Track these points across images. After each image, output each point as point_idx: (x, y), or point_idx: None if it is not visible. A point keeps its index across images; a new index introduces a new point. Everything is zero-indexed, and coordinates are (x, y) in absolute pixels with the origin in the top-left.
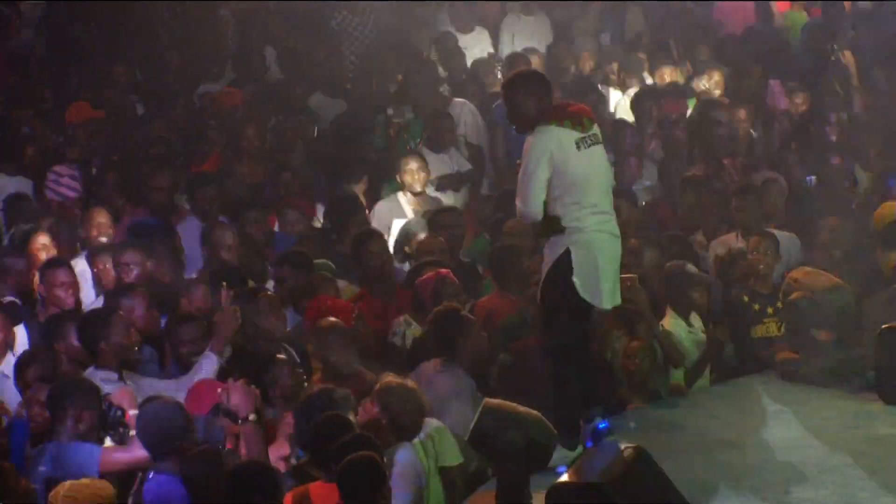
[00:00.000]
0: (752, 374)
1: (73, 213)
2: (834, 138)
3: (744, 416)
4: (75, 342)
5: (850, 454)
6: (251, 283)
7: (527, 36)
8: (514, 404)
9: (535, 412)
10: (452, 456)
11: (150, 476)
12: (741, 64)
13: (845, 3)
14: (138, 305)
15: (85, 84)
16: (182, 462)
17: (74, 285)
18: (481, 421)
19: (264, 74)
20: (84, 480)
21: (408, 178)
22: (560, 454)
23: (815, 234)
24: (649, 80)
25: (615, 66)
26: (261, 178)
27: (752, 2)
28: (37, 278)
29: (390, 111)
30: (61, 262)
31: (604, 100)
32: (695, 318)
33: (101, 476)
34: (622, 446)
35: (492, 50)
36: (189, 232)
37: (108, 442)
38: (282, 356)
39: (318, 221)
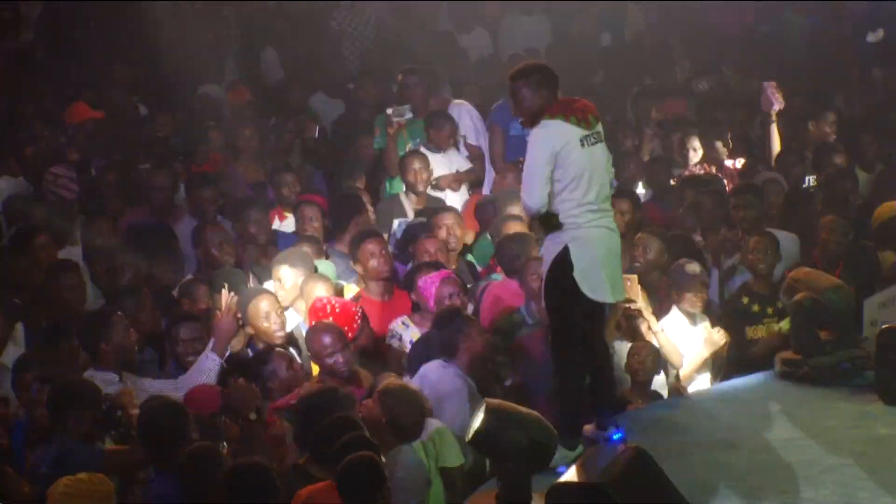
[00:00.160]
0: (752, 374)
1: (72, 213)
2: (833, 138)
3: (744, 417)
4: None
5: (850, 454)
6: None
7: (526, 36)
8: (514, 404)
9: (534, 412)
10: (453, 457)
11: (151, 476)
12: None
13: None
14: (144, 306)
15: (85, 84)
16: (181, 461)
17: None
18: (483, 422)
19: (261, 74)
20: (82, 475)
21: (410, 178)
22: (560, 454)
23: (814, 233)
24: None
25: None
26: (260, 178)
27: (753, 2)
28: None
29: (390, 111)
30: None
31: None
32: (702, 318)
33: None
34: (622, 446)
35: (492, 50)
36: (186, 232)
37: (108, 442)
38: (280, 350)
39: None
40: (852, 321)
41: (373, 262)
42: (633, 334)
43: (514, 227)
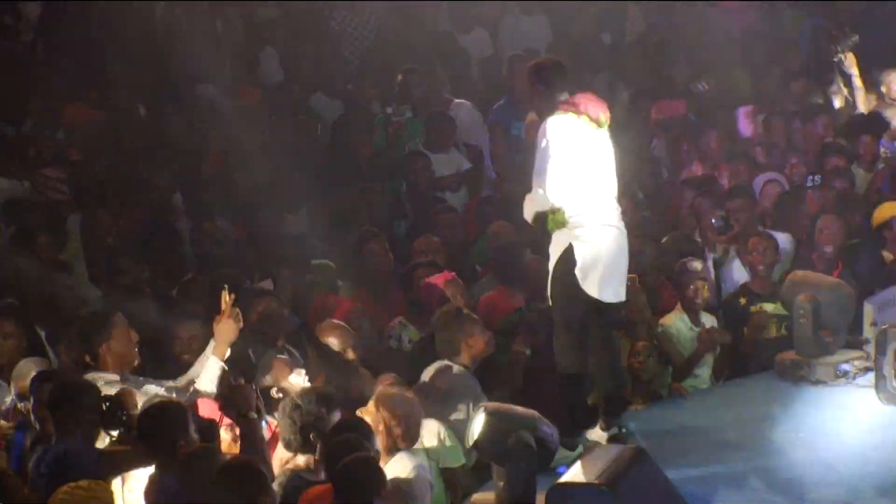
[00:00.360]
0: (752, 374)
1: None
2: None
3: (744, 417)
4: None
5: (850, 454)
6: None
7: (526, 36)
8: (511, 405)
9: (531, 411)
10: (454, 458)
11: (152, 477)
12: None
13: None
14: (149, 308)
15: (85, 85)
16: (182, 462)
17: None
18: (485, 425)
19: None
20: (82, 483)
21: (411, 178)
22: (560, 454)
23: (806, 233)
24: None
25: None
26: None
27: (753, 3)
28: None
29: (389, 111)
30: None
31: None
32: (707, 317)
33: (104, 477)
34: (622, 447)
35: (492, 50)
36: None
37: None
38: (283, 356)
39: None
40: (853, 321)
41: (373, 262)
42: (633, 335)
43: (507, 234)
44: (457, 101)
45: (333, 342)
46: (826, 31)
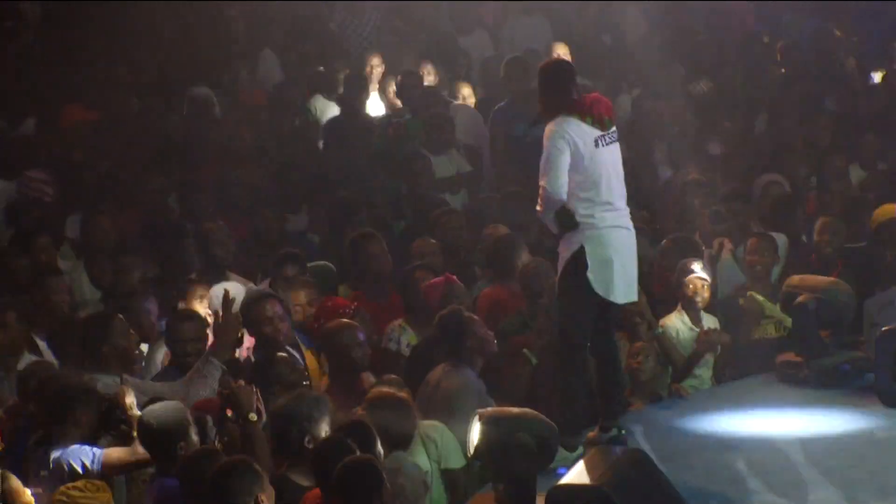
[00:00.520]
0: (752, 375)
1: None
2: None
3: (744, 418)
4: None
5: (850, 456)
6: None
7: (527, 37)
8: (506, 408)
9: (530, 410)
10: (455, 458)
11: (152, 478)
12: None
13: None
14: (152, 308)
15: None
16: (182, 464)
17: None
18: (483, 433)
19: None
20: (79, 484)
21: (410, 179)
22: (560, 455)
23: (800, 235)
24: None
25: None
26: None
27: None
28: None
29: (389, 112)
30: None
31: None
32: (708, 318)
33: (104, 477)
34: (622, 448)
35: (492, 52)
36: None
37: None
38: (283, 354)
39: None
40: (853, 322)
41: (370, 265)
42: (633, 335)
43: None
44: (455, 103)
45: (357, 338)
46: (827, 32)
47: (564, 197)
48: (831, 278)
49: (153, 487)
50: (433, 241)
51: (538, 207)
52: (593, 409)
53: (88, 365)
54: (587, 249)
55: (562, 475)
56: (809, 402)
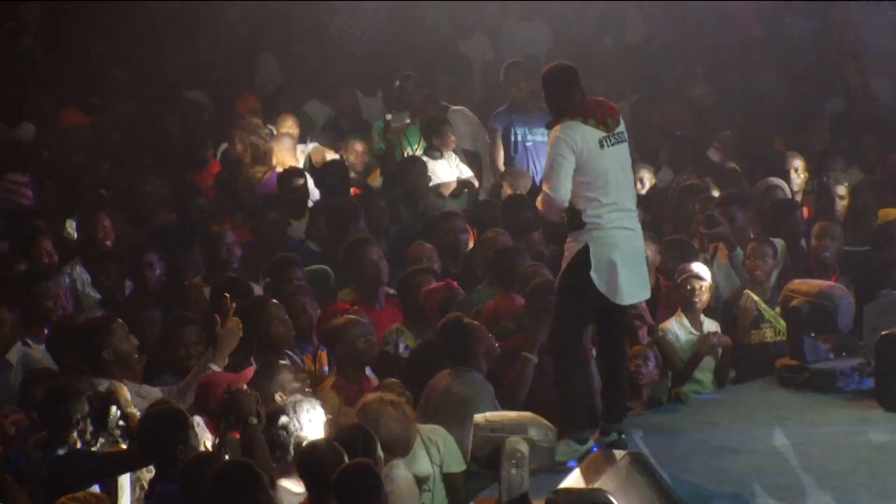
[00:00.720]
0: (752, 380)
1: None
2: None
3: (744, 423)
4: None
5: (850, 460)
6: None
7: (527, 41)
8: (503, 412)
9: (528, 413)
10: (457, 462)
11: (151, 482)
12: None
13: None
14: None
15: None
16: (183, 469)
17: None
18: (475, 440)
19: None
20: (78, 495)
21: (409, 184)
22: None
23: (797, 239)
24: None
25: None
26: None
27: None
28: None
29: (389, 117)
30: None
31: None
32: (710, 323)
33: (104, 480)
34: (621, 453)
35: (492, 56)
36: None
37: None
38: (285, 361)
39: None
40: (853, 326)
41: (368, 270)
42: (633, 339)
43: (503, 240)
44: (454, 108)
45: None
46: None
47: (566, 203)
48: (829, 282)
49: (153, 490)
50: (428, 245)
51: (539, 207)
52: (595, 408)
53: (88, 369)
54: (592, 249)
55: (573, 468)
56: (809, 408)
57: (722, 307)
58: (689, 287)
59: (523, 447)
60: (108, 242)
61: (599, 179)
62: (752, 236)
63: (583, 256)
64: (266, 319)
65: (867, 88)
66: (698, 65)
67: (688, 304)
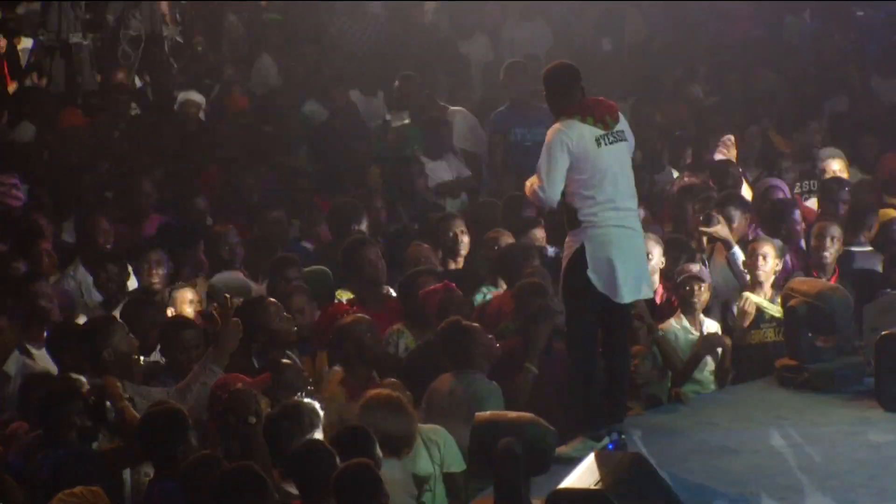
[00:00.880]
0: (751, 380)
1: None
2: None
3: (743, 423)
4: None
5: (850, 461)
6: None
7: (527, 42)
8: (505, 412)
9: (527, 414)
10: (457, 462)
11: (151, 482)
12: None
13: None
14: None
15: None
16: (183, 470)
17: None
18: (471, 440)
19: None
20: (76, 490)
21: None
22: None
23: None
24: None
25: None
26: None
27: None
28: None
29: (388, 117)
30: None
31: None
32: (710, 323)
33: (104, 479)
34: (621, 453)
35: (492, 56)
36: None
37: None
38: (287, 360)
39: None
40: (851, 325)
41: (367, 270)
42: (632, 339)
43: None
44: (453, 108)
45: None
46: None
47: (556, 203)
48: (829, 283)
49: (153, 490)
50: (426, 245)
51: (529, 195)
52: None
53: (88, 369)
54: (588, 248)
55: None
56: (809, 408)
57: (721, 307)
58: (688, 288)
59: (517, 447)
60: (107, 246)
61: (596, 177)
62: (751, 237)
63: (579, 256)
64: (266, 316)
65: (867, 88)
66: (698, 65)
67: (687, 305)
